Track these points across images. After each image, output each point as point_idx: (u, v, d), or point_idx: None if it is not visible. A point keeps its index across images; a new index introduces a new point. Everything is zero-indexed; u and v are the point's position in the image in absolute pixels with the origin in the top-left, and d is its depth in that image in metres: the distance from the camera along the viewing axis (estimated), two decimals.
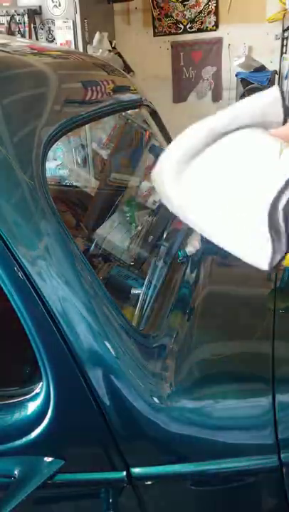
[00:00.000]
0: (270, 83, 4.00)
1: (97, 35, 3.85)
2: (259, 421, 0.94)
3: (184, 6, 4.59)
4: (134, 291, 1.38)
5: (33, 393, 0.90)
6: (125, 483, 0.95)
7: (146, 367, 0.93)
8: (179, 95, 4.91)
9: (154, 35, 4.79)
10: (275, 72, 4.21)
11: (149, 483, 0.97)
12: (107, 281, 1.47)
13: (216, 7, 4.52)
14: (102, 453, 0.93)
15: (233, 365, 1.05)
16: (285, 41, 4.41)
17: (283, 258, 0.67)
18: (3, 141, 0.84)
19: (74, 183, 2.24)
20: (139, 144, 2.07)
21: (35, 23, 3.90)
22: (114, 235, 1.65)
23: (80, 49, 3.83)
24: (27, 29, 3.88)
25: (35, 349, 0.85)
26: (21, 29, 3.92)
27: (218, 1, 4.49)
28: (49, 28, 3.93)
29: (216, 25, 4.58)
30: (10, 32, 3.92)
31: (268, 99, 0.66)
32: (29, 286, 0.82)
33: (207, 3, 4.53)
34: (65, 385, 0.88)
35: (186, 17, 4.63)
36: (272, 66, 4.36)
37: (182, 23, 4.66)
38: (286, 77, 4.13)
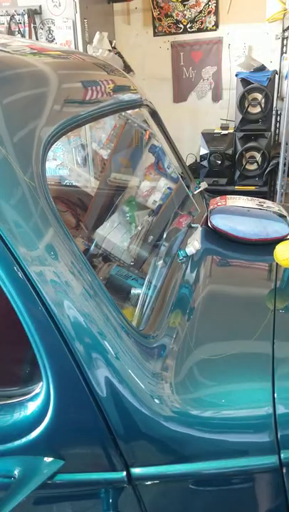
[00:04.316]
0: (270, 83, 3.99)
1: (97, 35, 3.85)
2: (259, 421, 0.94)
3: (184, 5, 4.58)
4: (134, 291, 1.38)
5: (33, 393, 0.90)
6: (125, 483, 0.95)
7: (146, 367, 0.93)
8: (179, 95, 4.91)
9: (154, 35, 4.78)
10: (275, 72, 4.21)
11: (149, 483, 0.97)
12: (107, 281, 1.47)
13: (216, 7, 4.51)
14: (102, 453, 0.93)
15: (233, 364, 1.05)
16: (285, 41, 4.41)
17: None
18: (3, 141, 0.84)
19: (74, 183, 2.24)
20: (139, 144, 2.07)
21: (35, 23, 3.89)
22: (114, 235, 1.65)
23: (80, 49, 3.83)
24: (27, 29, 3.88)
25: (35, 349, 0.85)
26: (21, 29, 3.92)
27: (218, 1, 4.49)
28: (49, 27, 3.92)
29: (216, 25, 4.57)
30: (10, 32, 3.92)
31: None
32: (29, 286, 0.82)
33: (207, 3, 4.53)
34: (65, 385, 0.88)
35: (186, 17, 4.62)
36: (272, 66, 4.36)
37: (182, 23, 4.66)
38: (286, 77, 4.12)
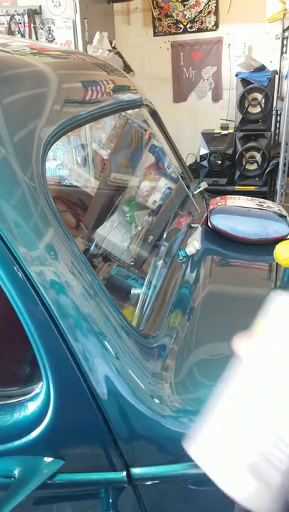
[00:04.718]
0: (270, 83, 3.99)
1: (97, 35, 3.85)
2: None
3: (184, 5, 4.59)
4: (134, 291, 1.38)
5: (33, 393, 0.90)
6: (125, 483, 0.95)
7: (146, 367, 0.93)
8: (179, 95, 4.91)
9: (154, 35, 4.78)
10: (275, 72, 4.21)
11: (149, 483, 0.97)
12: (107, 281, 1.47)
13: (216, 7, 4.51)
14: (101, 453, 0.93)
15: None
16: (285, 41, 4.41)
17: None
18: (3, 141, 0.84)
19: (74, 183, 2.24)
20: (139, 144, 2.07)
21: (35, 23, 3.89)
22: (114, 235, 1.65)
23: (80, 49, 3.83)
24: (27, 29, 3.88)
25: (35, 349, 0.85)
26: (21, 29, 3.92)
27: (218, 1, 4.49)
28: (49, 28, 3.92)
29: (216, 25, 4.57)
30: (10, 32, 3.92)
31: None
32: (29, 286, 0.82)
33: (207, 3, 4.53)
34: (65, 385, 0.88)
35: (186, 17, 4.62)
36: (272, 66, 4.36)
37: (182, 23, 4.66)
38: (286, 77, 4.12)
